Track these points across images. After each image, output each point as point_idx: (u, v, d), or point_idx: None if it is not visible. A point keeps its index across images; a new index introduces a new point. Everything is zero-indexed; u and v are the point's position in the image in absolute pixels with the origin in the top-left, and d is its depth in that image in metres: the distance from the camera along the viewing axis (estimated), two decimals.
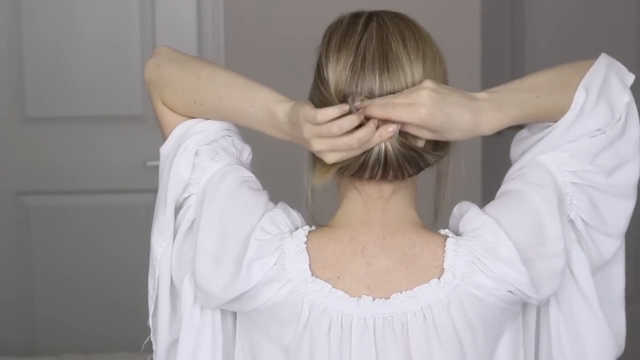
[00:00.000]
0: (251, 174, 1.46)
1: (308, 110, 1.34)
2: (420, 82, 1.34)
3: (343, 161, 1.34)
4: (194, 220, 1.44)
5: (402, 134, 1.33)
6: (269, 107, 1.40)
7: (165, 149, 1.48)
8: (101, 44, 3.43)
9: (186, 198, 1.45)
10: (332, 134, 1.31)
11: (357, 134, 1.31)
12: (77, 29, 3.42)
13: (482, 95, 1.36)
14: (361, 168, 1.35)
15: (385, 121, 1.32)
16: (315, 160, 1.41)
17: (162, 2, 3.43)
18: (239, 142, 1.50)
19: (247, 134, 1.53)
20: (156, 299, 1.48)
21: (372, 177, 1.36)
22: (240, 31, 3.37)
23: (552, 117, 1.43)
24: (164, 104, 1.49)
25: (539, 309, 1.46)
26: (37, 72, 3.43)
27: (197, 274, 1.40)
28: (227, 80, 1.47)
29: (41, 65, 3.43)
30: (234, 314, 1.46)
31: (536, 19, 3.70)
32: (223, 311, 1.45)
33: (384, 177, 1.36)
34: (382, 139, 1.32)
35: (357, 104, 1.33)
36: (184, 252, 1.44)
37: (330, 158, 1.33)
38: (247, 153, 1.51)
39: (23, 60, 3.42)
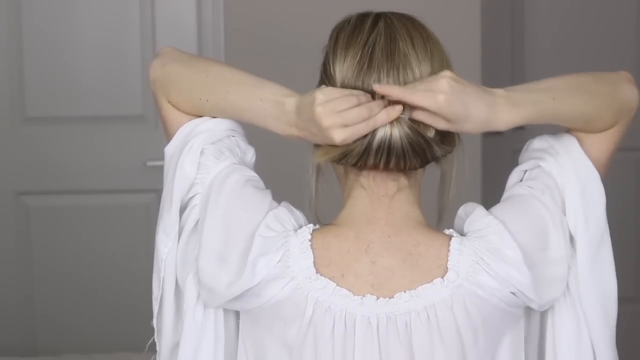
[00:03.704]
0: (255, 174, 1.46)
1: (318, 88, 1.34)
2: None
3: (347, 145, 1.33)
4: (198, 220, 1.44)
5: (413, 121, 1.33)
6: (277, 100, 1.40)
7: (170, 149, 1.48)
8: (101, 44, 3.42)
9: (191, 198, 1.45)
10: (341, 107, 1.31)
11: (368, 104, 1.32)
12: (77, 29, 3.42)
13: (499, 91, 1.36)
14: (365, 153, 1.34)
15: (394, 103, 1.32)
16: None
17: (162, 2, 3.43)
18: (243, 143, 1.50)
19: (251, 136, 1.52)
20: (161, 299, 1.48)
21: (376, 165, 1.35)
22: (240, 31, 3.37)
23: (566, 122, 1.44)
24: (169, 102, 1.49)
25: (543, 316, 1.46)
26: (37, 72, 3.43)
27: (201, 271, 1.40)
28: (235, 77, 1.47)
29: (41, 65, 3.43)
30: (237, 313, 1.46)
31: (536, 19, 3.70)
32: (225, 311, 1.45)
33: (387, 164, 1.35)
34: (388, 117, 1.32)
35: (376, 85, 1.33)
36: (188, 252, 1.44)
37: (340, 135, 1.32)
38: (250, 154, 1.50)
39: (23, 60, 3.42)
